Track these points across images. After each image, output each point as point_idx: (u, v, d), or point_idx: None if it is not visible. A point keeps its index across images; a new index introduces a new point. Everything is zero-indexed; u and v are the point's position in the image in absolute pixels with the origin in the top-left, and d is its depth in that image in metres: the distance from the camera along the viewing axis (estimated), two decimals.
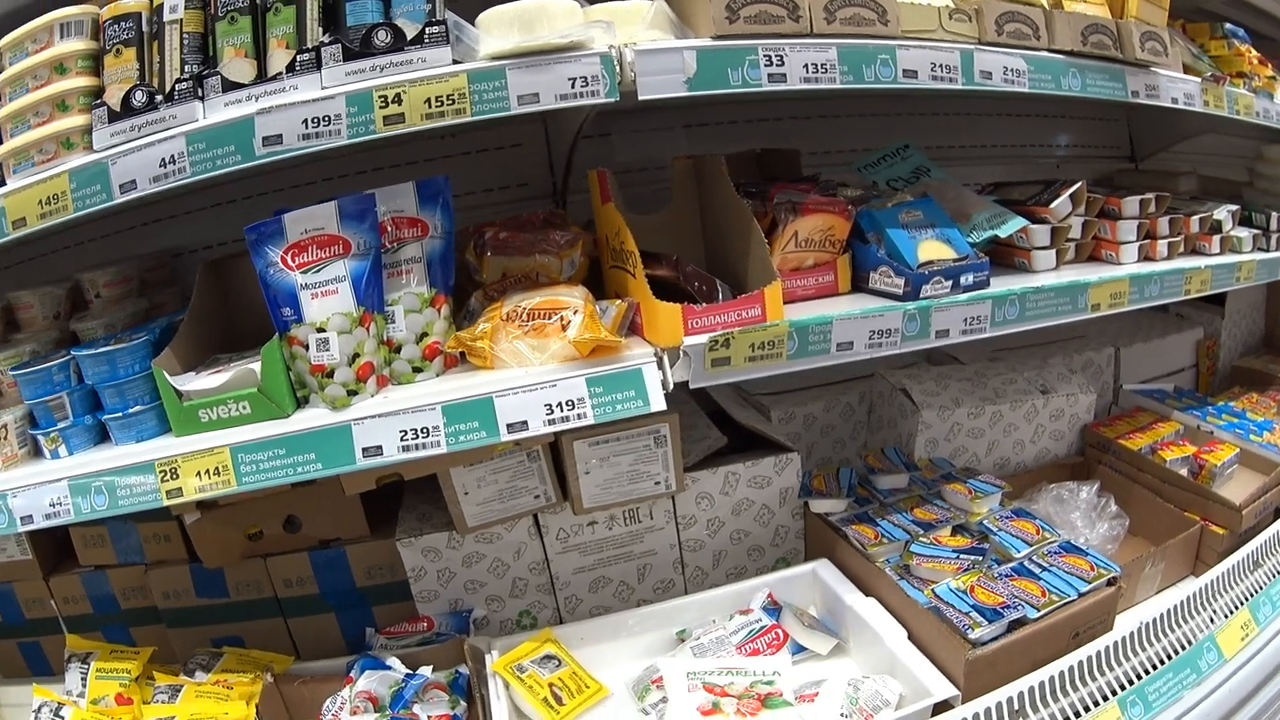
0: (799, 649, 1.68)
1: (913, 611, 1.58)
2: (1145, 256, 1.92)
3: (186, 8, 1.39)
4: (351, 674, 1.57)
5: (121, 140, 1.38)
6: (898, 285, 1.63)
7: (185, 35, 1.39)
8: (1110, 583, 1.58)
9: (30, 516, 1.38)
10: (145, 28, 1.41)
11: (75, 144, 1.41)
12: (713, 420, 2.02)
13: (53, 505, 1.38)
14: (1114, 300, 1.73)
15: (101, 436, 1.49)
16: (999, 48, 1.64)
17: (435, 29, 1.35)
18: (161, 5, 1.40)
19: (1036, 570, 1.61)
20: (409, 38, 1.35)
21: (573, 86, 1.38)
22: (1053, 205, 1.81)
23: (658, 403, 1.43)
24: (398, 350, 1.50)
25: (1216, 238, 2.01)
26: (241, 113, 1.34)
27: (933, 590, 1.57)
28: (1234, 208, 2.09)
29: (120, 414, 1.43)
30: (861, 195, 1.81)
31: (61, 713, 1.42)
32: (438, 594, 1.78)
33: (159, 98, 1.36)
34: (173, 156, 1.34)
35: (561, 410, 1.41)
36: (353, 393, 1.42)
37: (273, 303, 1.39)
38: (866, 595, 1.69)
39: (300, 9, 1.38)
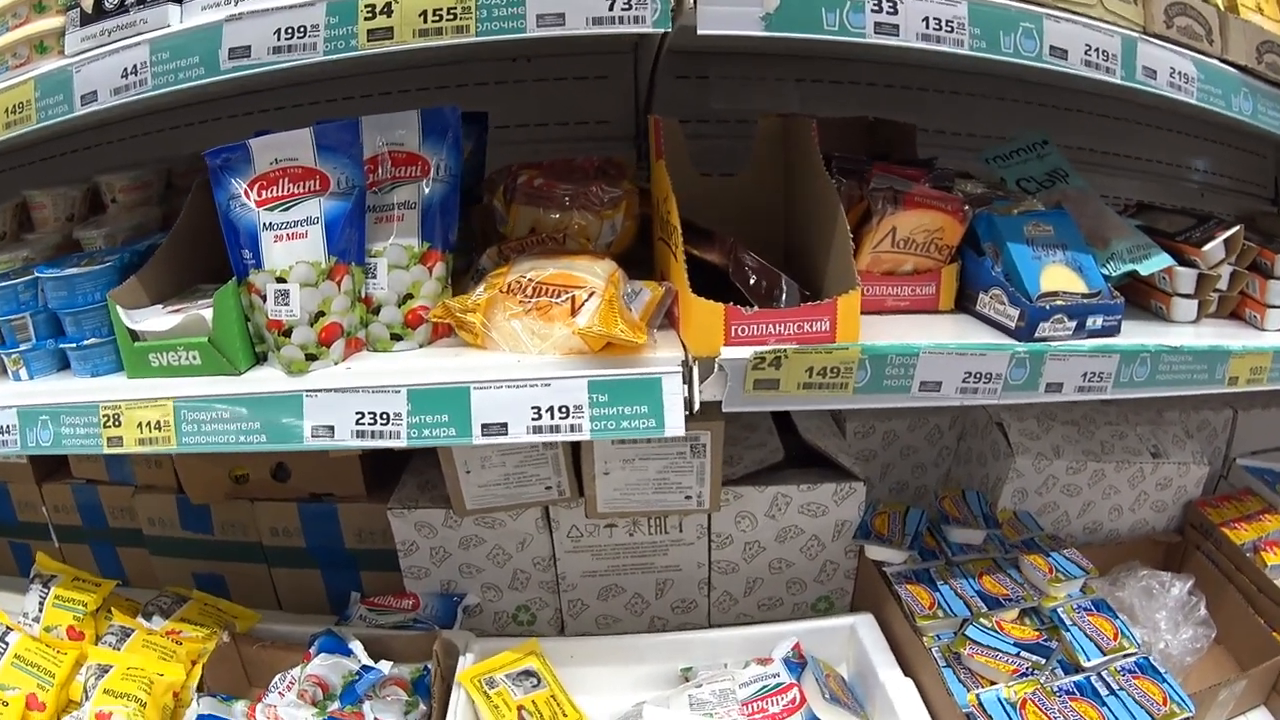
0: (815, 716, 1.41)
1: (950, 713, 1.29)
2: None
3: None
4: (311, 649, 1.44)
5: (92, 45, 1.23)
6: (1010, 317, 1.26)
7: None
8: None
9: None
10: None
11: (49, 48, 1.28)
12: (779, 424, 1.71)
13: (3, 432, 1.27)
14: (1253, 375, 1.35)
15: (66, 363, 1.36)
16: (1166, 43, 1.28)
17: None
18: None
19: (1103, 691, 1.31)
20: None
21: (611, 9, 1.09)
22: (1205, 249, 1.40)
23: (675, 425, 1.16)
24: (376, 311, 1.28)
25: None
26: (211, 19, 1.13)
27: (977, 696, 1.27)
28: None
29: (75, 345, 1.29)
30: (983, 194, 1.43)
31: (7, 638, 1.36)
32: (428, 572, 1.61)
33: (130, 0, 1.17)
34: (135, 67, 1.18)
35: (551, 417, 1.16)
36: (312, 357, 1.21)
37: (232, 243, 1.19)
38: (905, 674, 1.39)
39: None
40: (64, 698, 1.36)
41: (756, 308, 1.17)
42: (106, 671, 1.33)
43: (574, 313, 1.20)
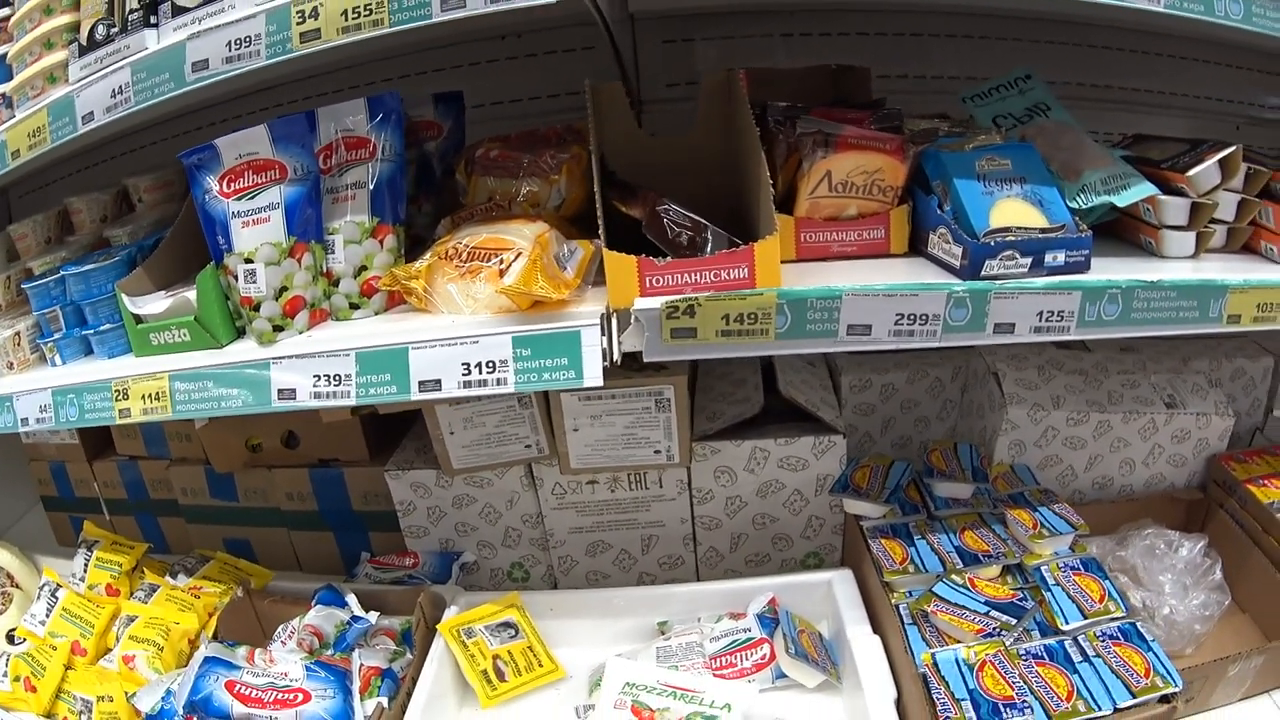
0: (783, 673, 1.42)
1: (907, 672, 1.27)
2: None
3: None
4: (313, 602, 1.57)
5: (89, 73, 1.42)
6: (954, 255, 1.23)
7: None
8: (1165, 699, 1.15)
9: (26, 419, 1.48)
10: None
11: (58, 78, 1.49)
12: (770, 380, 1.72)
13: (41, 410, 1.47)
14: (1262, 313, 1.21)
15: (91, 348, 1.54)
16: None
17: None
18: None
19: (1076, 657, 1.22)
20: None
21: None
22: (1192, 173, 1.28)
23: (593, 376, 1.21)
24: (337, 284, 1.39)
25: None
26: (176, 39, 1.29)
27: (933, 656, 1.23)
28: None
29: (94, 330, 1.47)
30: (928, 130, 1.38)
31: (57, 593, 1.56)
32: (427, 531, 1.72)
33: (114, 29, 1.36)
34: (121, 87, 1.36)
35: (480, 372, 1.24)
36: (279, 328, 1.34)
37: (209, 231, 1.33)
38: (876, 632, 1.38)
39: None
40: (102, 645, 1.55)
41: (669, 259, 1.20)
42: (133, 620, 1.51)
43: (502, 274, 1.28)
